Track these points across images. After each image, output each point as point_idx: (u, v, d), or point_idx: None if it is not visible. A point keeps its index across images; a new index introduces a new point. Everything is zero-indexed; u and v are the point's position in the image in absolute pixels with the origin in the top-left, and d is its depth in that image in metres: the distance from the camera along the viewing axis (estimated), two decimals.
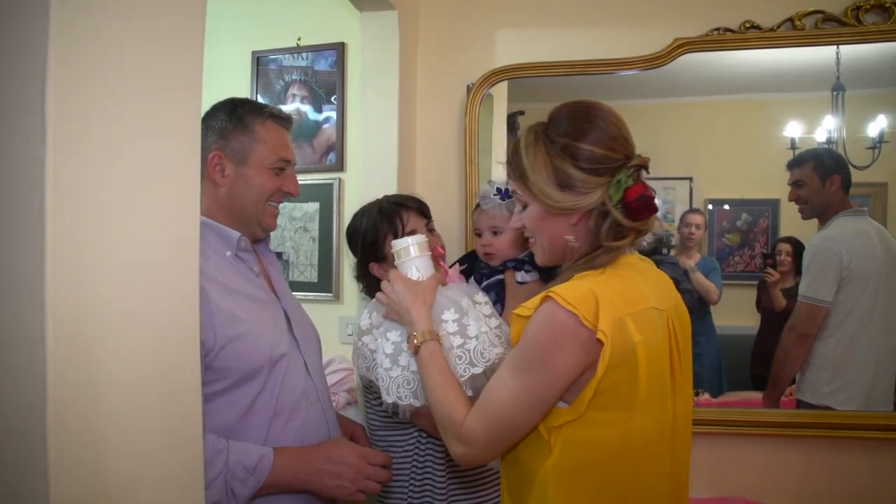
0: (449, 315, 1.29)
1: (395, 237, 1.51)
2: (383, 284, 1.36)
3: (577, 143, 1.07)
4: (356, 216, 1.61)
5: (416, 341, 1.23)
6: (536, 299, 1.05)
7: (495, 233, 1.57)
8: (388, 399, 1.31)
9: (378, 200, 1.60)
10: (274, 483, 1.23)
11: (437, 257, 1.43)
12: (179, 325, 0.91)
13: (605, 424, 1.04)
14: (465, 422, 1.08)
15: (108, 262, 0.80)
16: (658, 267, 2.11)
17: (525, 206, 1.15)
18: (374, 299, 1.42)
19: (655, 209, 1.07)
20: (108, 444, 0.80)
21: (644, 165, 1.10)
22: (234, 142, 1.35)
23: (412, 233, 1.51)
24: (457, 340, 1.26)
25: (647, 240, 1.15)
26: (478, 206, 1.65)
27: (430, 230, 1.58)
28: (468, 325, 1.27)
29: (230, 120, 1.35)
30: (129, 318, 0.82)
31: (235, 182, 1.35)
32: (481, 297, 1.40)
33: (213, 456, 1.16)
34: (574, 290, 1.01)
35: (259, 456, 1.22)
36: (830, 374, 1.95)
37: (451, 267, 1.50)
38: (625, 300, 1.04)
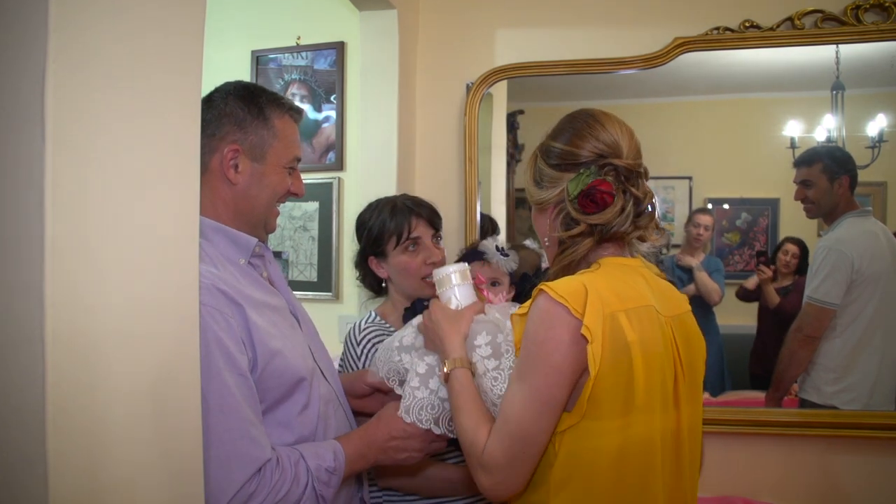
0: (482, 339, 1.23)
1: (399, 241, 1.53)
2: (424, 315, 1.33)
3: (549, 142, 1.14)
4: (370, 207, 1.62)
5: (445, 369, 1.18)
6: (532, 298, 1.06)
7: (494, 283, 1.59)
8: (407, 419, 1.26)
9: (395, 198, 1.61)
10: (349, 473, 1.23)
11: (479, 285, 1.42)
12: (179, 324, 0.91)
13: (602, 434, 1.01)
14: (486, 446, 1.04)
15: (108, 260, 0.79)
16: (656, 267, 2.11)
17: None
18: (419, 321, 1.38)
19: (603, 204, 1.05)
20: (108, 444, 0.79)
21: (630, 169, 1.08)
22: (252, 135, 1.23)
23: (416, 240, 1.53)
24: (491, 363, 1.21)
25: (644, 249, 1.15)
26: (477, 256, 1.66)
27: (437, 240, 1.58)
28: (500, 342, 1.23)
29: (248, 110, 1.23)
30: (128, 317, 0.82)
31: (250, 180, 1.24)
32: None
33: (296, 468, 1.14)
34: (565, 284, 1.02)
35: (333, 453, 1.20)
36: (837, 374, 1.95)
37: (497, 287, 1.47)
38: (618, 295, 1.03)
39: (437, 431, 1.26)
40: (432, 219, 1.58)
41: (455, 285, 1.33)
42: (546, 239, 1.16)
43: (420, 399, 1.26)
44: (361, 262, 1.61)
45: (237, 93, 1.26)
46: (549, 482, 1.04)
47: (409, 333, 1.38)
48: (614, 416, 1.01)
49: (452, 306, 1.30)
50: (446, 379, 1.18)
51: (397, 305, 1.60)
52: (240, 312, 1.14)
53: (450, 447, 1.40)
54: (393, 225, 1.54)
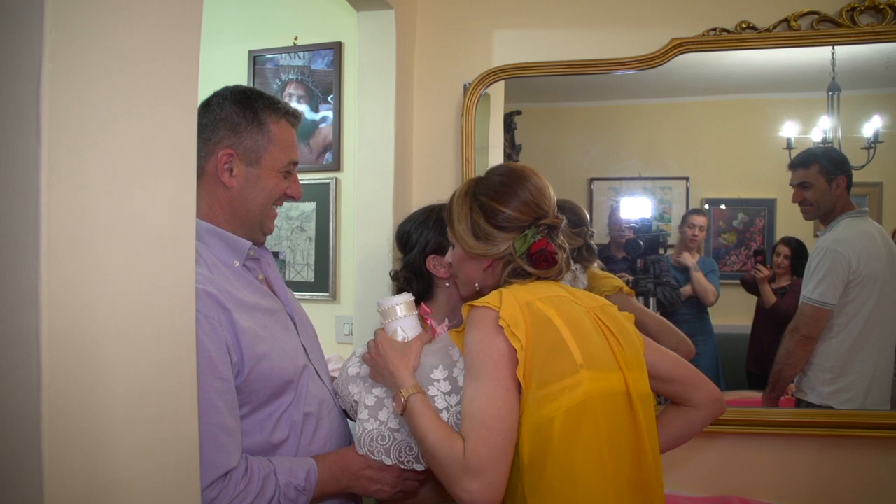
0: (439, 374, 1.25)
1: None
2: (368, 344, 1.33)
3: (493, 205, 1.25)
4: (413, 219, 1.55)
5: (402, 399, 1.20)
6: (464, 318, 1.21)
7: None
8: (360, 451, 1.27)
9: (435, 204, 1.56)
10: (319, 494, 1.23)
11: (425, 316, 1.42)
12: (175, 323, 0.91)
13: (552, 398, 1.10)
14: (467, 449, 1.07)
15: (104, 261, 0.79)
16: (653, 266, 2.22)
17: (453, 247, 1.34)
18: (363, 352, 1.37)
19: (554, 262, 1.24)
20: (104, 444, 0.79)
21: (555, 226, 1.26)
22: (247, 139, 1.25)
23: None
24: (453, 399, 1.22)
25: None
26: None
27: None
28: (457, 376, 1.24)
29: (244, 114, 1.25)
30: (124, 317, 0.82)
31: (245, 184, 1.25)
32: None
33: (264, 481, 1.14)
34: (485, 297, 1.19)
35: (305, 472, 1.20)
36: (833, 374, 1.95)
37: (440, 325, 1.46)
38: (530, 292, 1.20)
39: (388, 462, 1.26)
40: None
41: (401, 317, 1.33)
42: (476, 283, 1.30)
43: (370, 431, 1.27)
44: (413, 268, 1.53)
45: (233, 97, 1.27)
46: (517, 474, 1.11)
47: (353, 363, 1.38)
48: (563, 377, 1.11)
49: (399, 338, 1.32)
50: (404, 409, 1.19)
51: (443, 305, 1.54)
52: (227, 316, 1.14)
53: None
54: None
